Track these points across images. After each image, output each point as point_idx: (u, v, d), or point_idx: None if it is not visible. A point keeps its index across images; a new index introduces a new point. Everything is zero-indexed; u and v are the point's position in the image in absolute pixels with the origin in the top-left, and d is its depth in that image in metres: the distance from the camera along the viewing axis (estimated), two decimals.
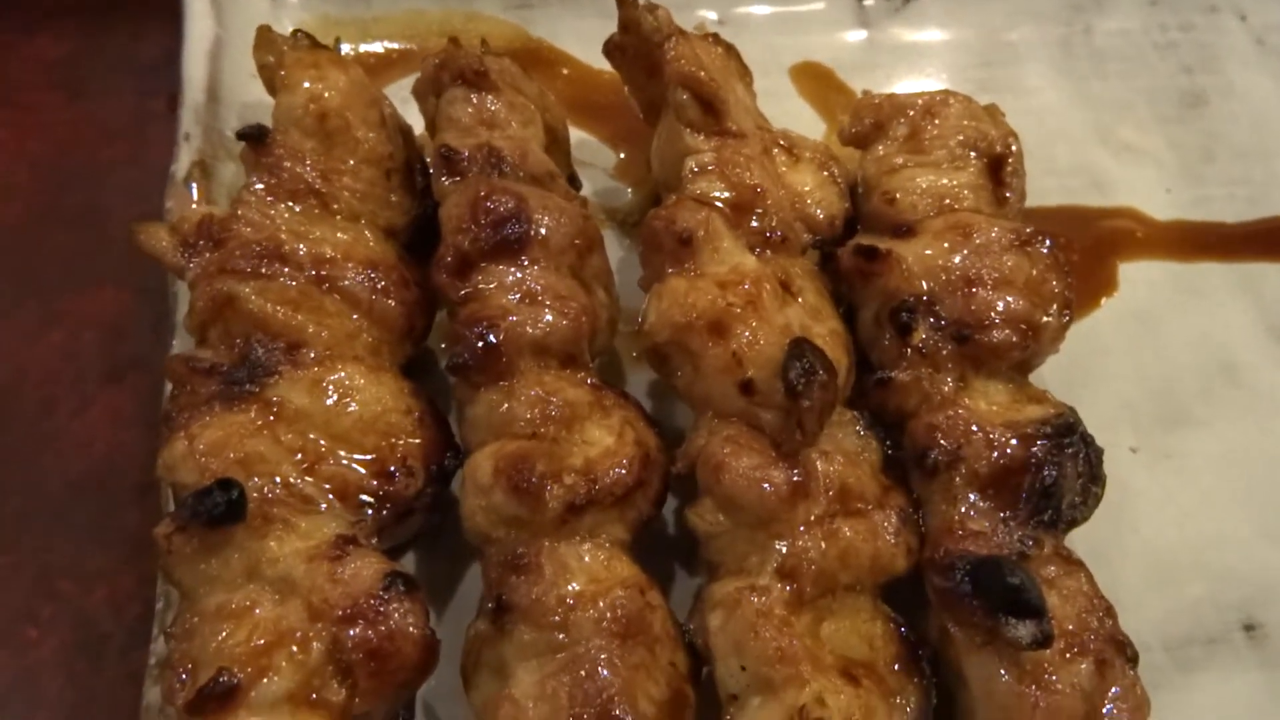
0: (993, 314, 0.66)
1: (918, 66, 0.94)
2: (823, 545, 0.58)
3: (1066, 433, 0.64)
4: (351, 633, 0.52)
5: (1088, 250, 0.85)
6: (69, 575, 0.66)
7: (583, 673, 0.53)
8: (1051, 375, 0.72)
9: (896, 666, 0.59)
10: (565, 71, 0.89)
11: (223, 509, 0.52)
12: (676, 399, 0.68)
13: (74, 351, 0.74)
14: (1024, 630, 0.55)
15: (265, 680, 0.51)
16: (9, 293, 0.76)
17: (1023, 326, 0.66)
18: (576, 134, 0.82)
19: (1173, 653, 0.69)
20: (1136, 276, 0.84)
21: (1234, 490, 0.76)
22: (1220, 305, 0.83)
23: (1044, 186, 0.87)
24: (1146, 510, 0.74)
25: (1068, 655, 0.57)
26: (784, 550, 0.58)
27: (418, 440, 0.60)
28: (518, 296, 0.62)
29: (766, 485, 0.58)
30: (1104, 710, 0.56)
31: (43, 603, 0.66)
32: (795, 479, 0.59)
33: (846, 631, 0.59)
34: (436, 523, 0.64)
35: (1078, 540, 0.64)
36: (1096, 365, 0.80)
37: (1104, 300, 0.83)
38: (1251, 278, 0.85)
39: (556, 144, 0.75)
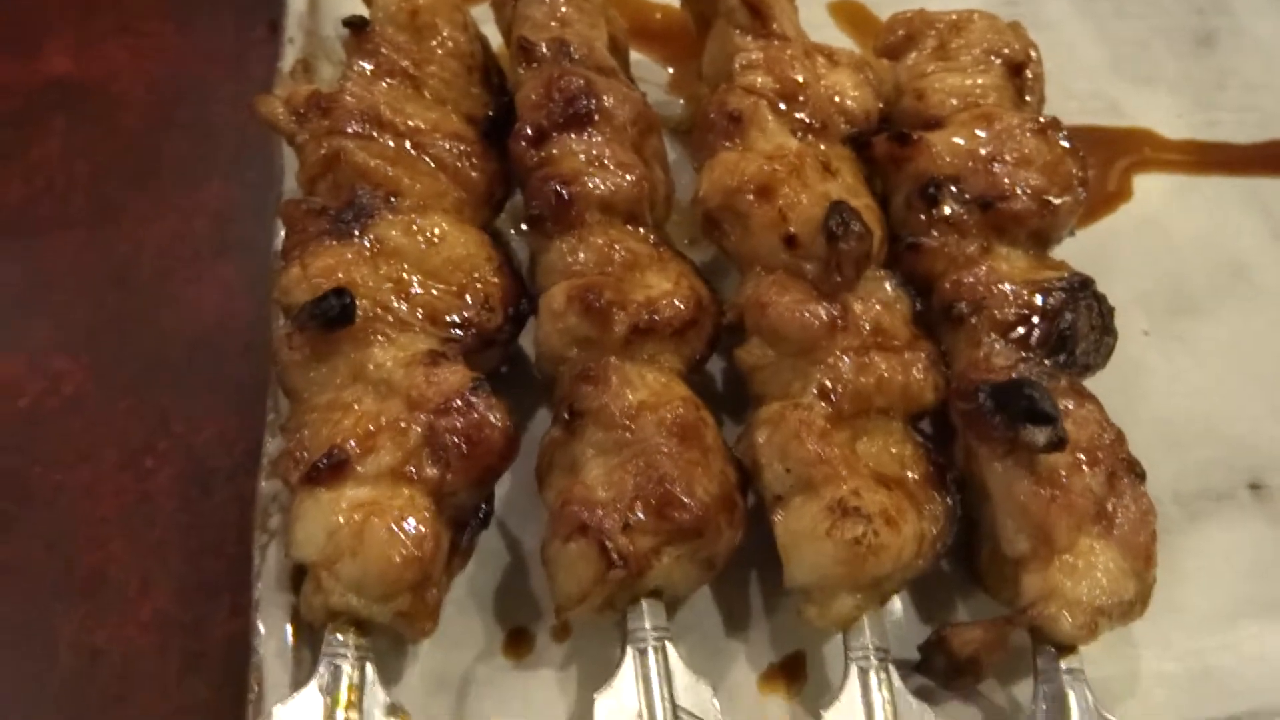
0: (1013, 187, 0.73)
1: (948, 3, 1.01)
2: (858, 372, 0.65)
3: (1081, 288, 0.70)
4: (444, 421, 0.60)
5: (1104, 162, 0.92)
6: (182, 417, 0.75)
7: (645, 462, 0.60)
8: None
9: (925, 482, 0.65)
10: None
11: (336, 311, 0.59)
12: (725, 278, 0.75)
13: (186, 233, 0.83)
14: (1040, 435, 0.61)
15: (370, 457, 0.59)
16: (128, 187, 0.85)
17: (1042, 198, 0.73)
18: (632, 55, 0.90)
19: (1183, 505, 0.74)
20: (1150, 186, 0.91)
21: (1241, 372, 0.81)
22: (1229, 213, 0.90)
23: (1063, 109, 0.93)
24: (1158, 385, 0.80)
25: (1080, 466, 0.63)
26: (822, 375, 0.65)
27: (497, 282, 0.68)
28: (586, 160, 0.70)
29: (807, 316, 0.66)
30: (1112, 512, 0.62)
31: (159, 438, 0.74)
32: (834, 313, 0.66)
33: (880, 449, 0.65)
34: (504, 367, 0.72)
35: None
36: (1111, 262, 0.85)
37: (1120, 206, 0.90)
38: (1259, 190, 0.92)
39: (617, 51, 0.83)
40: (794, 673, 0.66)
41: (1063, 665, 0.60)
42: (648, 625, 0.59)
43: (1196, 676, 0.66)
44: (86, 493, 0.72)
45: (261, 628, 0.60)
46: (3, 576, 0.69)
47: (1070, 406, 0.66)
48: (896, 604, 0.68)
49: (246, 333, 0.77)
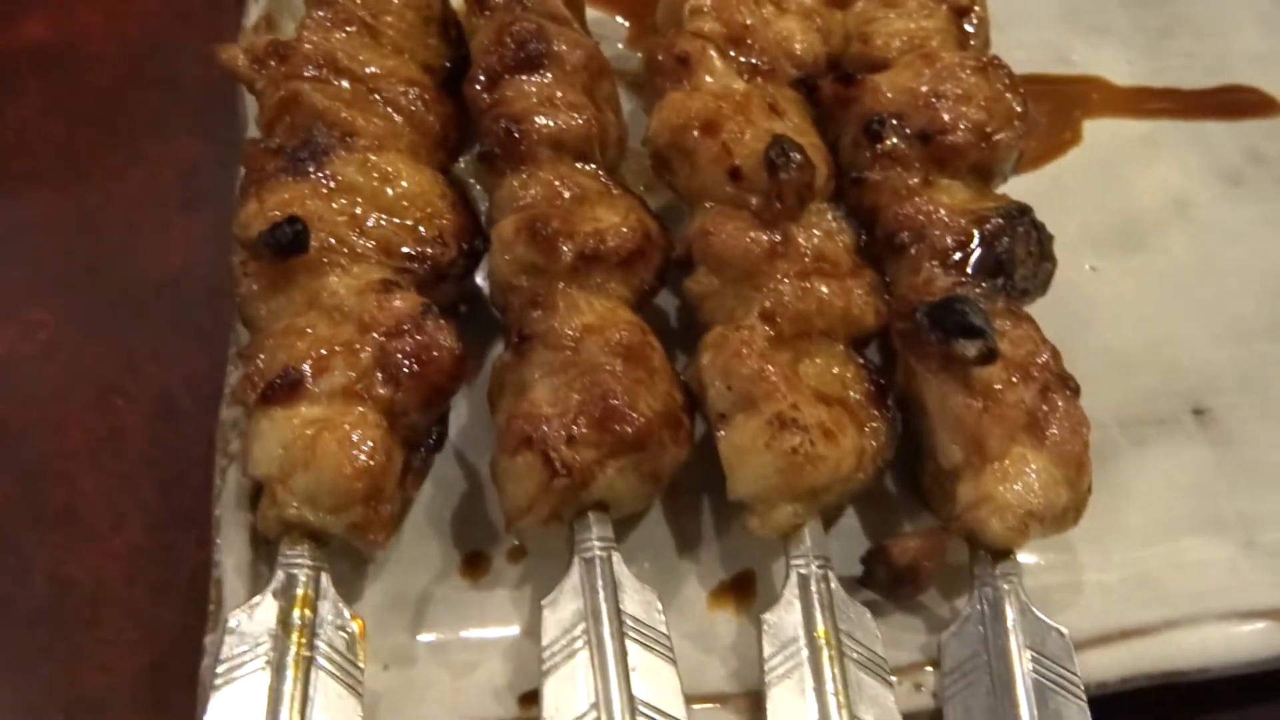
0: (954, 121, 0.75)
1: None
2: (800, 296, 0.67)
3: (1019, 214, 0.72)
4: (396, 343, 0.62)
5: (1054, 110, 0.94)
6: (150, 359, 0.77)
7: (590, 380, 0.62)
8: None
9: (866, 401, 0.67)
10: None
11: (290, 238, 0.62)
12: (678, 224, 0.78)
13: (154, 186, 0.85)
14: (971, 348, 0.63)
15: (324, 377, 0.61)
16: (99, 140, 0.88)
17: (982, 131, 0.75)
18: (591, 12, 0.93)
19: (1126, 429, 0.76)
20: (1099, 130, 0.93)
21: (1185, 303, 0.83)
22: (1176, 154, 0.92)
23: (1013, 58, 0.93)
24: (1104, 317, 0.82)
25: (1013, 380, 0.65)
26: (764, 299, 0.67)
27: (451, 218, 0.70)
28: (537, 100, 0.73)
29: (749, 241, 0.68)
30: (1045, 423, 0.64)
31: (128, 379, 0.76)
32: (775, 239, 0.68)
33: (821, 370, 0.67)
34: (463, 306, 0.74)
35: None
36: (1059, 203, 0.87)
37: (1069, 150, 0.92)
38: (1205, 133, 0.94)
39: (573, 5, 0.86)
40: (743, 590, 0.68)
41: (997, 571, 0.62)
42: (594, 536, 0.61)
43: (1134, 585, 0.68)
44: (57, 430, 0.74)
45: (221, 545, 0.62)
46: None
47: (1007, 327, 0.68)
48: (844, 524, 0.71)
49: (212, 279, 0.79)
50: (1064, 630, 0.61)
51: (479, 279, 0.75)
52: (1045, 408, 0.65)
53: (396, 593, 0.66)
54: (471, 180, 0.83)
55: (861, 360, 0.69)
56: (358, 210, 0.67)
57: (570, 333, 0.64)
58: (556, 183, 0.70)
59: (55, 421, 0.74)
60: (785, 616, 0.60)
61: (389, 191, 0.68)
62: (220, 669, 0.54)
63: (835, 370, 0.68)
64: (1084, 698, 0.58)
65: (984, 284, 0.70)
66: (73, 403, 0.75)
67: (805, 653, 0.58)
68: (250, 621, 0.56)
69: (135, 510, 0.71)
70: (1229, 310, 0.83)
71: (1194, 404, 0.78)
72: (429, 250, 0.68)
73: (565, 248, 0.66)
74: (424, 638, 0.64)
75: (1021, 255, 0.71)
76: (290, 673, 0.55)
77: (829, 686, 0.57)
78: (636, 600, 0.60)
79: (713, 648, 0.64)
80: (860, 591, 0.65)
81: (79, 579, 0.69)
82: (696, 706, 0.59)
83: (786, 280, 0.67)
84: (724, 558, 0.69)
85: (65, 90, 0.90)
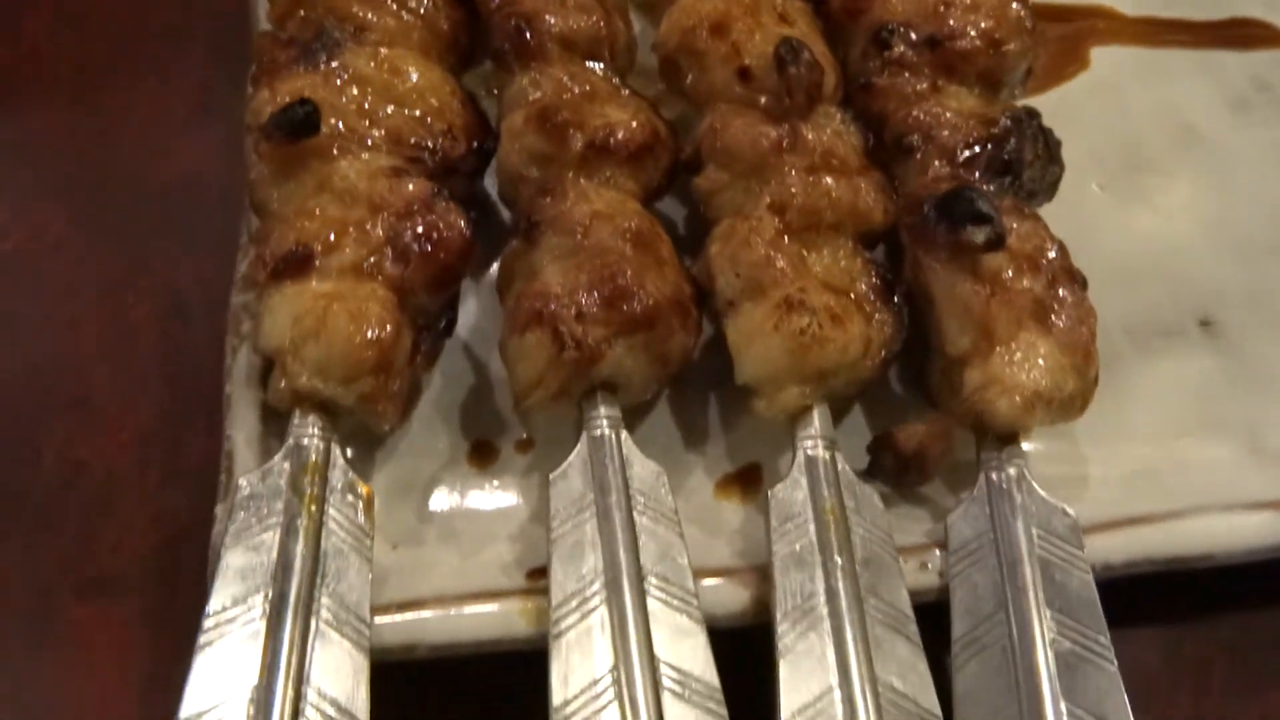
0: (962, 27, 0.75)
1: None
2: (808, 189, 0.68)
3: (1027, 117, 0.73)
4: (405, 223, 0.62)
5: (1062, 38, 0.94)
6: (162, 259, 0.78)
7: (599, 261, 0.63)
8: None
9: (873, 294, 0.67)
10: None
11: (300, 118, 0.62)
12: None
13: (169, 97, 0.86)
14: (979, 234, 0.63)
15: (334, 254, 0.61)
16: (114, 51, 0.89)
17: (991, 38, 0.75)
18: None
19: (1133, 338, 0.76)
20: (1107, 57, 0.93)
21: (1193, 221, 0.83)
22: (1184, 82, 0.92)
23: None
24: (1110, 232, 0.82)
25: (1021, 269, 0.65)
26: (773, 192, 0.68)
27: (461, 114, 0.70)
28: (545, 1, 0.73)
29: (758, 134, 0.68)
30: (1052, 311, 0.64)
31: (140, 277, 0.77)
32: (784, 133, 0.69)
33: (829, 262, 0.68)
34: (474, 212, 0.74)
35: None
36: (1066, 125, 0.85)
37: (1077, 75, 0.93)
38: (1213, 62, 0.93)
39: None
40: (749, 482, 0.68)
41: (1004, 454, 0.62)
42: (602, 414, 0.61)
43: (1139, 479, 0.67)
44: (70, 325, 0.75)
45: (232, 420, 0.62)
46: None
47: (1015, 224, 0.68)
48: (853, 425, 0.70)
49: (224, 185, 0.79)
50: (1070, 510, 0.61)
51: (490, 189, 0.76)
52: (1052, 298, 0.65)
53: (406, 479, 0.66)
54: (481, 93, 0.84)
55: (870, 257, 0.70)
56: (368, 101, 0.68)
57: (580, 218, 0.64)
58: (566, 79, 0.70)
59: (67, 317, 0.75)
60: (792, 492, 0.60)
61: (400, 85, 0.69)
62: (231, 530, 0.55)
63: (843, 264, 0.68)
64: (1089, 571, 0.59)
65: (992, 183, 0.70)
66: (84, 299, 0.76)
67: (811, 525, 0.58)
68: (261, 485, 0.56)
69: (146, 401, 0.72)
70: (1236, 230, 0.83)
71: (1201, 316, 0.78)
72: (439, 142, 0.68)
73: (575, 137, 0.67)
74: (432, 521, 0.64)
75: (1029, 157, 0.72)
76: (302, 535, 0.55)
77: (835, 556, 0.57)
78: (644, 475, 0.60)
79: (719, 531, 0.64)
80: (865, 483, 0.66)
81: (90, 466, 0.69)
82: (704, 581, 0.59)
83: (794, 173, 0.68)
84: (731, 451, 0.69)
85: (80, 3, 0.90)
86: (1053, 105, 0.89)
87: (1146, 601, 0.67)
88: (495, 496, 0.65)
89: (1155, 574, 0.64)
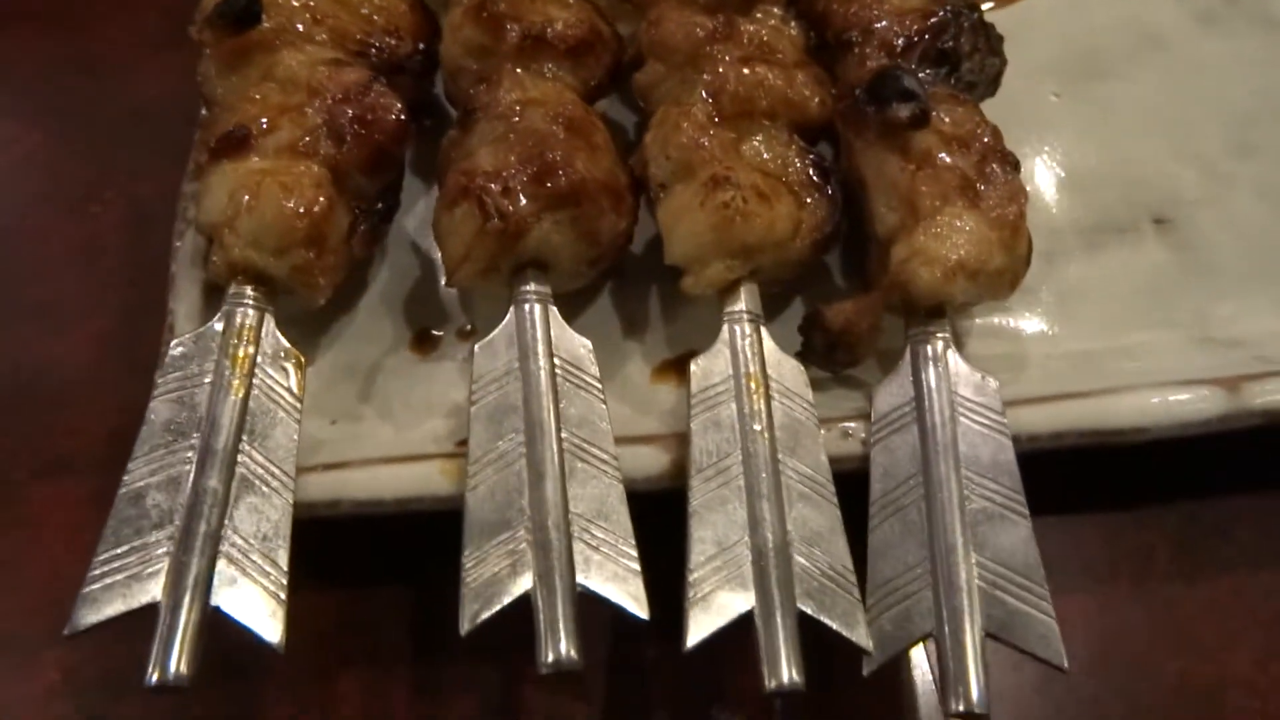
0: None
1: None
2: (742, 77, 0.68)
3: (967, 12, 0.73)
4: (342, 107, 0.64)
5: None
6: (126, 173, 0.81)
7: (531, 141, 0.64)
8: None
9: (806, 180, 0.68)
10: None
11: (243, 6, 0.64)
12: None
13: (138, 26, 0.90)
14: (904, 110, 0.64)
15: (272, 135, 0.63)
16: None
17: None
18: None
19: (1083, 235, 0.76)
20: None
21: (1150, 127, 0.83)
22: None
23: None
24: (1066, 139, 0.82)
25: (951, 147, 0.65)
26: (708, 81, 0.69)
27: (408, 15, 0.72)
28: None
29: (693, 26, 0.69)
30: (981, 190, 0.64)
31: (105, 189, 0.80)
32: (719, 25, 0.70)
33: (763, 150, 0.68)
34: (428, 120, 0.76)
35: None
36: (1026, 36, 0.86)
37: None
38: None
39: None
40: (686, 367, 0.68)
41: (930, 327, 0.63)
42: (532, 288, 0.62)
43: (1080, 360, 0.68)
44: (37, 235, 0.78)
45: (175, 295, 0.65)
46: None
47: (948, 107, 0.68)
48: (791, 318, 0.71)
49: (186, 109, 0.81)
50: (994, 379, 0.61)
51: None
52: (982, 175, 0.65)
53: (349, 363, 0.68)
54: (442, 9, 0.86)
55: (804, 146, 0.70)
56: (316, 4, 0.70)
57: (513, 103, 0.66)
58: None
59: (36, 226, 0.78)
60: (714, 362, 0.61)
61: None
62: (161, 385, 0.57)
63: (778, 151, 0.69)
64: (1009, 435, 0.59)
65: (929, 73, 0.71)
66: (51, 209, 0.79)
67: (730, 393, 0.59)
68: (194, 347, 0.59)
69: (107, 303, 0.74)
70: (1195, 135, 0.82)
71: (1155, 214, 0.78)
72: (385, 40, 0.70)
73: (511, 28, 0.68)
74: (371, 400, 0.66)
75: (968, 48, 0.72)
76: (230, 393, 0.57)
77: (752, 419, 0.58)
78: (570, 347, 0.61)
79: (650, 409, 0.65)
80: None
81: (53, 363, 0.72)
82: (625, 449, 0.60)
83: (729, 62, 0.69)
84: (669, 339, 0.70)
85: None
86: (1011, 18, 0.90)
87: (1090, 491, 0.67)
88: (434, 380, 0.67)
89: (1087, 449, 0.63)
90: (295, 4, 0.69)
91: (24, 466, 0.67)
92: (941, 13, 0.72)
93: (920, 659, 0.60)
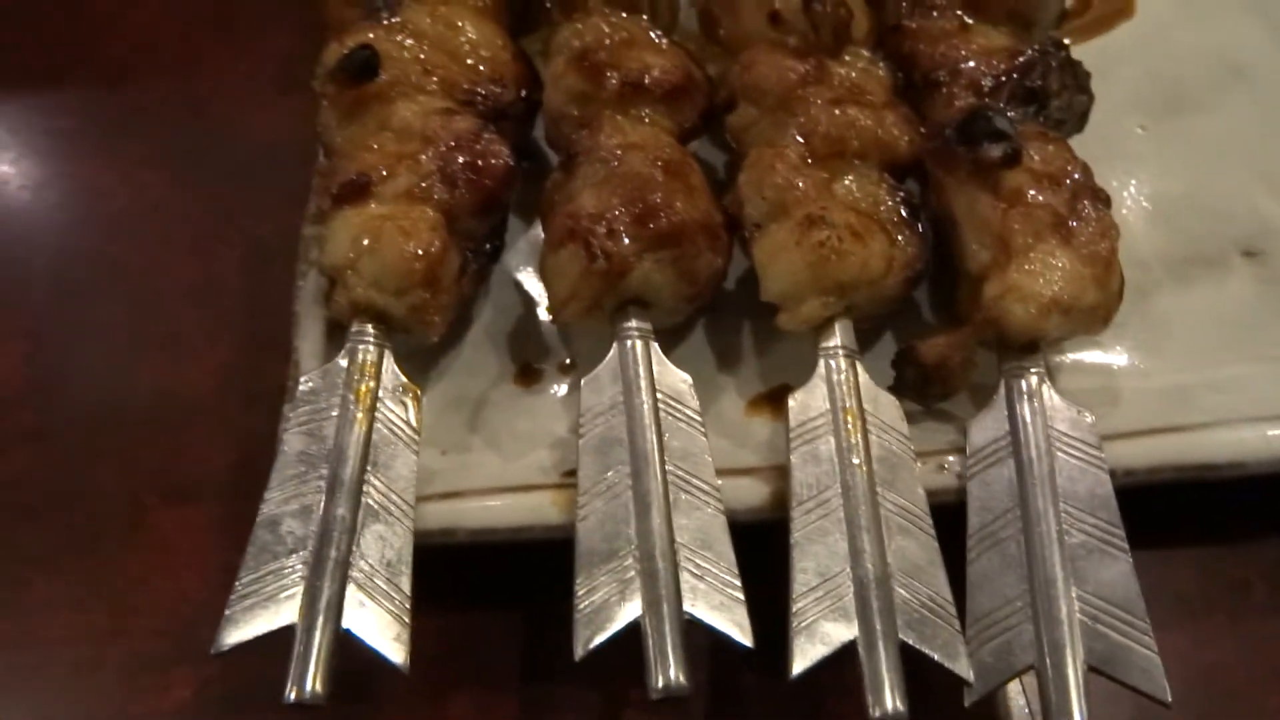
0: None
1: None
2: (833, 119, 0.71)
3: (1053, 50, 0.75)
4: (455, 154, 0.68)
5: None
6: (248, 214, 0.85)
7: (631, 184, 0.67)
8: None
9: (897, 218, 0.70)
10: None
11: (362, 61, 0.69)
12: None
13: (257, 74, 0.95)
14: (995, 149, 0.66)
15: (389, 181, 0.67)
16: (209, 37, 0.99)
17: None
18: None
19: (1171, 269, 0.77)
20: (1152, 5, 0.94)
21: (1239, 158, 0.83)
22: (1232, 23, 0.92)
23: None
24: (1153, 172, 0.83)
25: (1042, 184, 0.67)
26: (800, 123, 0.71)
27: (511, 65, 0.76)
28: None
29: (785, 66, 0.72)
30: (1073, 226, 0.65)
31: (227, 230, 0.85)
32: (811, 67, 0.72)
33: (854, 189, 0.70)
34: (526, 162, 0.80)
35: None
36: (1111, 71, 0.88)
37: (1121, 24, 0.93)
38: (1261, 2, 0.93)
39: None
40: (780, 400, 0.70)
41: (1025, 363, 0.64)
42: (634, 325, 0.65)
43: (1170, 395, 0.68)
44: (164, 271, 0.83)
45: (299, 333, 0.69)
46: (89, 335, 0.80)
47: (1038, 147, 0.70)
48: (883, 352, 0.73)
49: (304, 151, 0.85)
50: (1089, 414, 0.62)
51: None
52: (1074, 212, 0.66)
53: (457, 395, 0.71)
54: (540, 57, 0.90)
55: (895, 185, 0.72)
56: (425, 52, 0.74)
57: (614, 147, 0.69)
58: (606, 29, 0.75)
59: (162, 264, 0.83)
60: (811, 397, 0.63)
61: (455, 38, 0.75)
62: (293, 419, 0.61)
63: (868, 190, 0.70)
64: (1106, 469, 0.60)
65: (1018, 111, 0.72)
66: (177, 248, 0.84)
67: (829, 427, 0.61)
68: (321, 382, 0.62)
69: (229, 337, 0.79)
70: None
71: (1244, 247, 0.78)
72: (490, 89, 0.74)
73: (610, 75, 0.71)
74: (479, 431, 0.69)
75: (1056, 86, 0.73)
76: (355, 426, 0.61)
77: (851, 452, 0.60)
78: (672, 382, 0.64)
79: (747, 443, 0.67)
80: None
81: (178, 393, 0.77)
82: (726, 480, 0.62)
83: (820, 105, 0.71)
84: (763, 373, 0.72)
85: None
86: (1095, 52, 0.90)
87: (1185, 525, 0.67)
88: (538, 412, 0.70)
89: (1182, 483, 0.64)
90: (408, 56, 0.73)
91: (154, 492, 0.72)
92: (1029, 51, 0.74)
93: (1016, 692, 0.61)
